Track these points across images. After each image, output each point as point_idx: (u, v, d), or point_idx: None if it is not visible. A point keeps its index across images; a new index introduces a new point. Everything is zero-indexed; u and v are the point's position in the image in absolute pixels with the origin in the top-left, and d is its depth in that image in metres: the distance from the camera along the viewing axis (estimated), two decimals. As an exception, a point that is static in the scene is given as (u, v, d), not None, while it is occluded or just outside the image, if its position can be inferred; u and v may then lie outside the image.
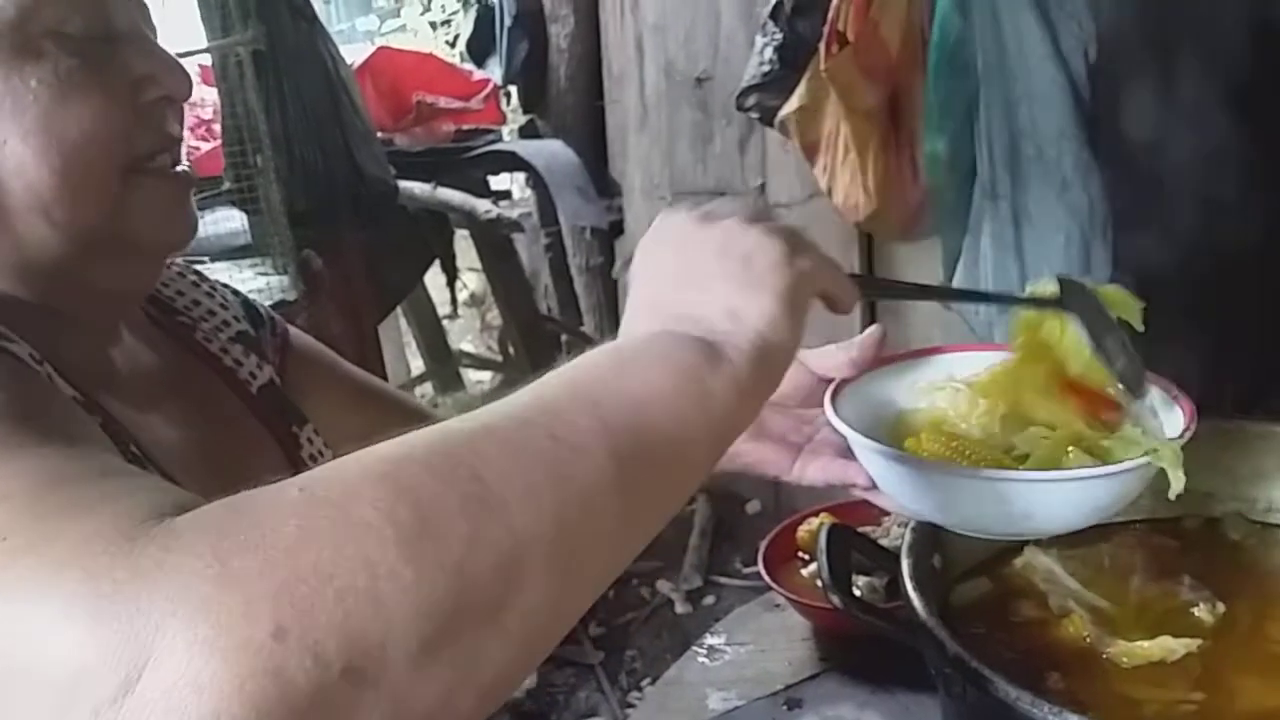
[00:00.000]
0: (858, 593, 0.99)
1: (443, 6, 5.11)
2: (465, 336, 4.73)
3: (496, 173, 3.82)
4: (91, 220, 0.71)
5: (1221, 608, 0.91)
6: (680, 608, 2.92)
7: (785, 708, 1.10)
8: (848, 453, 0.75)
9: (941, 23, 1.95)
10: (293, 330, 0.98)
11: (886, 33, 2.14)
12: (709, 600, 2.94)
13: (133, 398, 0.77)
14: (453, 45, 4.76)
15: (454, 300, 4.14)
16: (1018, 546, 0.99)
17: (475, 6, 4.04)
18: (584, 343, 3.68)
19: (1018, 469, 0.70)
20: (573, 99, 3.67)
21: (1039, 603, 0.94)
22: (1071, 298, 0.76)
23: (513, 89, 3.90)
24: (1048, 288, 0.77)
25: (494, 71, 3.84)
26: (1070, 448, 0.72)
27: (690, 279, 0.58)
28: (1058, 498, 0.70)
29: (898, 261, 2.68)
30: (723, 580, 3.00)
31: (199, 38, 2.62)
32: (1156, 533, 1.03)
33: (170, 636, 0.37)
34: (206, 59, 2.69)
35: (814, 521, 1.27)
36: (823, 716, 1.08)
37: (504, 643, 0.43)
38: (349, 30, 5.80)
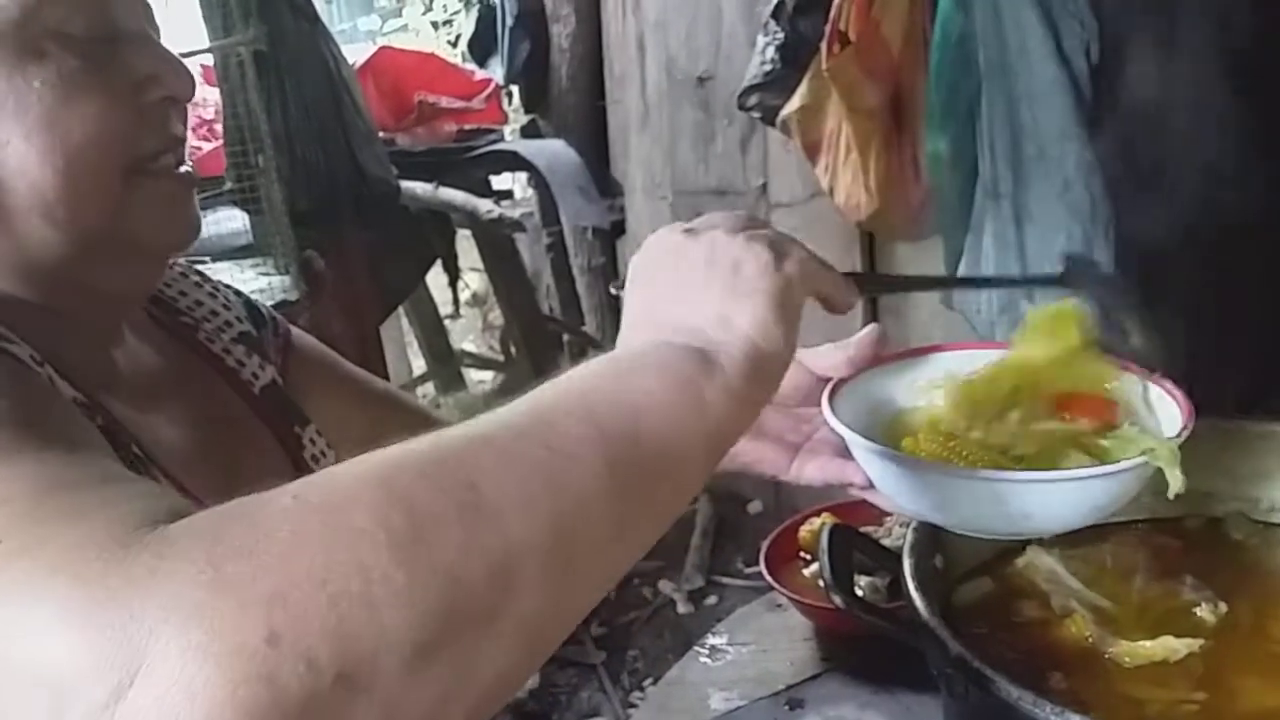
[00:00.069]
0: (859, 593, 0.99)
1: (444, 6, 5.11)
2: (467, 336, 4.73)
3: (498, 172, 3.82)
4: (94, 221, 0.71)
5: (1224, 608, 0.91)
6: (682, 608, 2.92)
7: (787, 708, 1.10)
8: (846, 452, 0.75)
9: (943, 22, 1.95)
10: (295, 331, 0.98)
11: (888, 32, 2.14)
12: (711, 600, 2.94)
13: (135, 398, 0.77)
14: (454, 45, 4.76)
15: (456, 300, 4.14)
16: (1020, 546, 0.99)
17: (477, 6, 4.05)
18: (586, 342, 3.69)
19: (1015, 469, 0.70)
20: (574, 99, 3.67)
21: (1041, 603, 0.94)
22: (1077, 276, 0.76)
23: (514, 89, 3.90)
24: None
25: (496, 71, 3.85)
26: (1068, 446, 0.72)
27: (681, 291, 0.59)
28: (1055, 498, 0.70)
29: (899, 261, 2.68)
30: (725, 580, 3.00)
31: (201, 38, 2.63)
32: (1158, 532, 1.03)
33: (163, 642, 0.37)
34: (208, 59, 2.69)
35: (816, 521, 1.27)
36: (824, 717, 1.08)
37: (499, 649, 0.44)
38: (351, 30, 5.81)
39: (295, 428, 0.89)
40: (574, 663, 2.76)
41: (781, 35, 2.33)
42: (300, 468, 0.87)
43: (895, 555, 0.94)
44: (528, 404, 0.50)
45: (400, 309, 3.80)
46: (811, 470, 0.78)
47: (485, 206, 3.33)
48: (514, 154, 3.58)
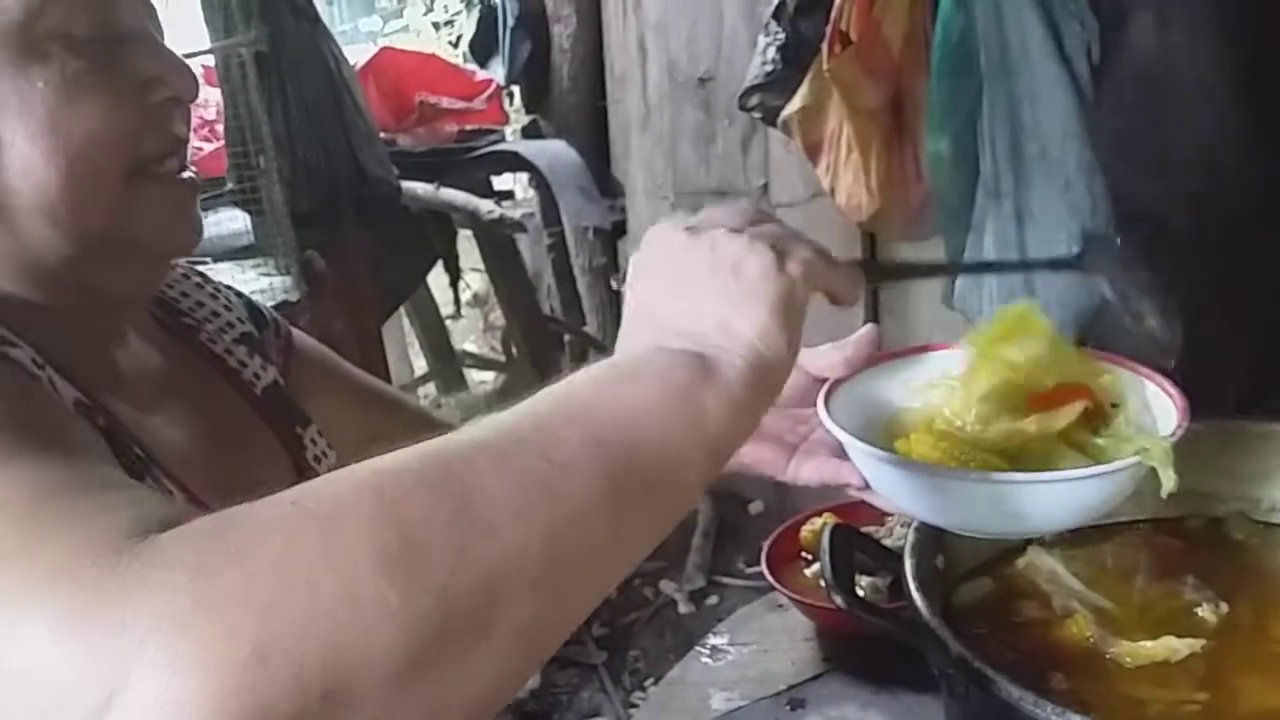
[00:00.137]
0: (861, 593, 0.99)
1: (445, 7, 5.11)
2: (468, 337, 4.73)
3: (499, 173, 3.82)
4: (97, 221, 0.71)
5: (1225, 608, 0.91)
6: (683, 608, 2.92)
7: (788, 708, 1.10)
8: (842, 453, 0.75)
9: (944, 22, 1.95)
10: (296, 332, 0.99)
11: (889, 32, 2.14)
12: (712, 600, 2.94)
13: (138, 399, 0.77)
14: (455, 46, 4.77)
15: (457, 300, 4.14)
16: (1021, 547, 0.99)
17: (478, 7, 4.05)
18: (587, 343, 3.69)
19: (1009, 469, 0.70)
20: (575, 99, 3.67)
21: (1042, 603, 0.94)
22: (1094, 256, 0.75)
23: (515, 89, 3.91)
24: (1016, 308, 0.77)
25: (497, 72, 3.85)
26: (1063, 445, 0.72)
27: (682, 292, 0.58)
28: (1048, 498, 0.70)
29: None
30: (726, 580, 3.00)
31: (202, 39, 2.63)
32: (1160, 533, 1.03)
33: (152, 653, 0.37)
34: (209, 60, 2.69)
35: (817, 522, 1.27)
36: (826, 717, 1.08)
37: (491, 661, 0.43)
38: (352, 31, 5.81)
39: (297, 428, 0.89)
40: (575, 663, 2.76)
41: (782, 36, 2.33)
42: (302, 468, 0.87)
43: (896, 555, 0.94)
44: (525, 412, 0.50)
45: (401, 309, 3.80)
46: (808, 471, 0.78)
47: (486, 207, 3.33)
48: (515, 154, 3.58)
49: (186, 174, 0.76)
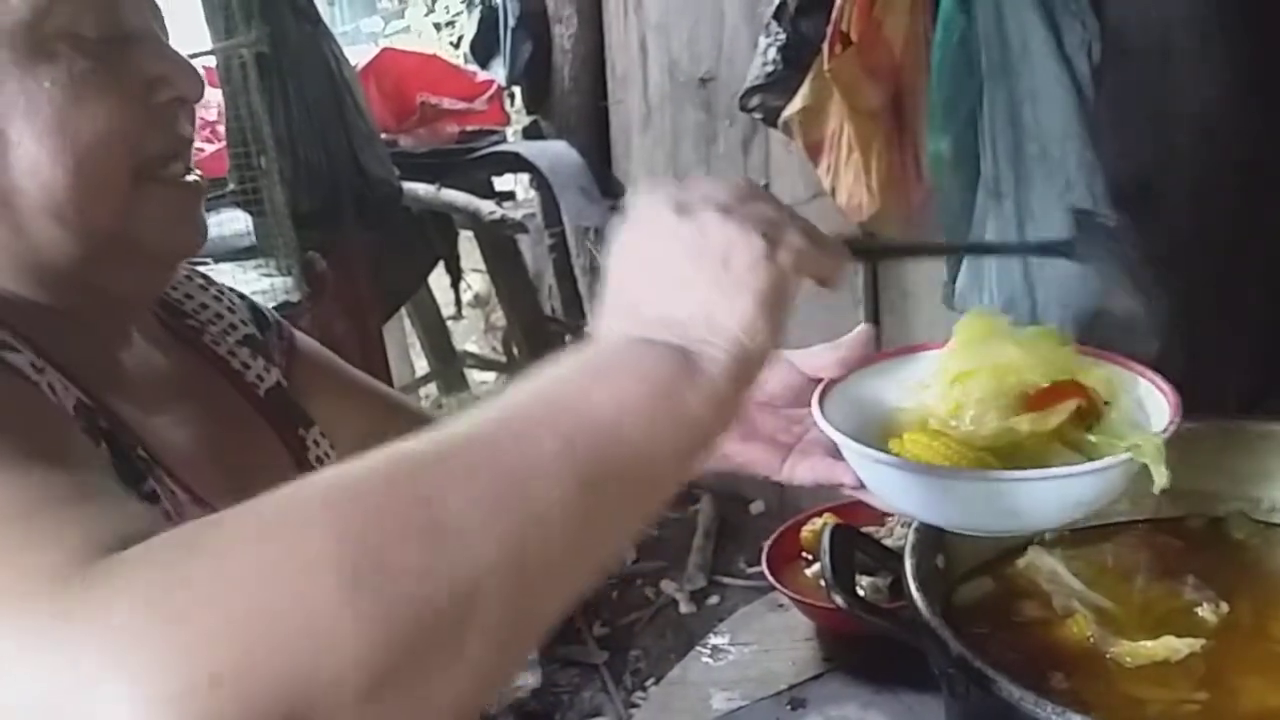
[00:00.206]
0: (861, 593, 0.99)
1: (446, 8, 5.11)
2: (469, 337, 4.73)
3: (500, 173, 3.82)
4: (104, 221, 0.71)
5: (1225, 607, 0.91)
6: (684, 608, 2.92)
7: (789, 708, 1.10)
8: (837, 452, 0.75)
9: (945, 22, 1.95)
10: (298, 334, 0.99)
11: (890, 32, 2.14)
12: (713, 600, 2.94)
13: (142, 400, 0.77)
14: (456, 46, 4.76)
15: (458, 301, 4.14)
16: (1021, 546, 0.99)
17: (479, 8, 4.04)
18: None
19: (1002, 467, 0.70)
20: (576, 100, 3.67)
21: (1042, 603, 0.94)
22: (1085, 242, 0.75)
23: (516, 90, 3.90)
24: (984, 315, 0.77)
25: (498, 72, 3.85)
26: (1056, 443, 0.72)
27: (665, 278, 0.55)
28: (1041, 495, 0.70)
29: (901, 262, 2.68)
30: (727, 580, 3.00)
31: (203, 39, 2.63)
32: (1160, 532, 1.03)
33: (107, 683, 0.36)
34: (210, 60, 2.69)
35: (817, 522, 1.27)
36: (826, 716, 1.08)
37: (459, 674, 0.42)
38: (353, 32, 5.81)
39: (299, 430, 0.90)
40: (576, 662, 2.76)
41: (783, 36, 2.33)
42: (304, 469, 0.87)
43: (897, 555, 0.94)
44: (494, 414, 0.48)
45: (403, 310, 3.81)
46: (803, 471, 0.79)
47: (487, 207, 3.33)
48: (516, 155, 3.58)
49: (192, 177, 0.76)
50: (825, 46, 2.17)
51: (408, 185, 3.14)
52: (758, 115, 2.51)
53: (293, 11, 2.69)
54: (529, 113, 3.90)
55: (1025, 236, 1.94)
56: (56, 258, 0.71)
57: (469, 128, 3.66)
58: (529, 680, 2.63)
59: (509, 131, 3.87)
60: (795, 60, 2.32)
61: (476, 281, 4.50)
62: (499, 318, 4.31)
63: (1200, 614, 0.91)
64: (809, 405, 0.76)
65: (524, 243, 3.89)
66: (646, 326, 0.54)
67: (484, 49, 3.96)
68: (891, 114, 2.23)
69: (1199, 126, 1.81)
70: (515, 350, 4.09)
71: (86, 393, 0.70)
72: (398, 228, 3.09)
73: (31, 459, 0.50)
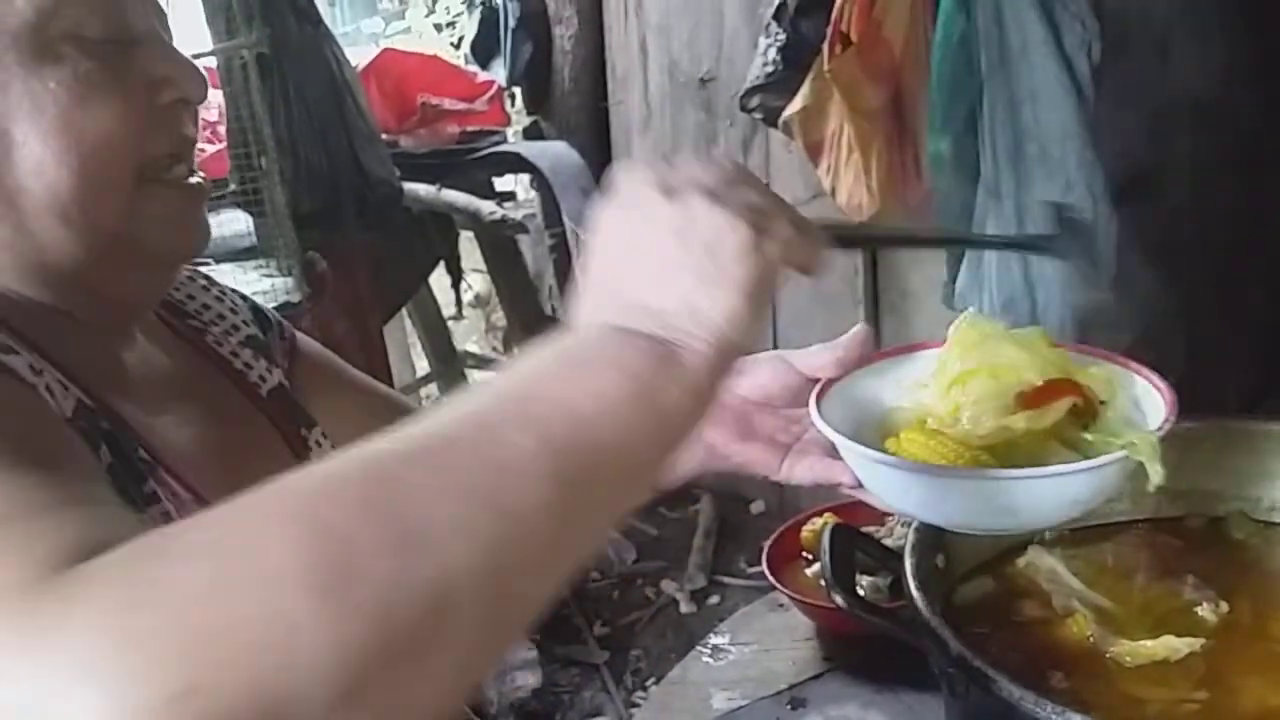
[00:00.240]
0: (861, 592, 0.99)
1: (447, 9, 5.11)
2: (470, 338, 4.73)
3: (501, 174, 3.82)
4: (108, 222, 0.71)
5: (1225, 607, 0.91)
6: (685, 607, 2.92)
7: (789, 707, 1.10)
8: (835, 452, 0.76)
9: (945, 22, 1.95)
10: (300, 335, 0.99)
11: (889, 33, 2.14)
12: (713, 600, 2.94)
13: (145, 400, 0.77)
14: (457, 47, 4.76)
15: (459, 301, 4.14)
16: (1021, 546, 0.99)
17: (479, 9, 4.04)
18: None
19: (998, 466, 0.71)
20: (577, 100, 3.67)
21: (1042, 602, 0.94)
22: (1067, 240, 0.75)
23: (517, 90, 3.91)
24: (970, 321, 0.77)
25: (498, 73, 3.85)
26: (1052, 441, 0.72)
27: (648, 263, 0.54)
28: (1037, 494, 0.70)
29: (901, 262, 2.68)
30: (727, 580, 3.00)
31: (204, 41, 2.63)
32: (1160, 532, 1.03)
33: (76, 702, 0.35)
34: (211, 62, 2.69)
35: (818, 521, 1.27)
36: (826, 716, 1.08)
37: (436, 677, 0.41)
38: (354, 32, 5.81)
39: (302, 430, 0.90)
40: (577, 662, 2.76)
41: (783, 36, 2.33)
42: (307, 469, 0.87)
43: (897, 555, 0.94)
44: (467, 411, 0.47)
45: (403, 310, 3.80)
46: (801, 470, 0.79)
47: (488, 208, 3.33)
48: (516, 155, 3.58)
49: (195, 179, 0.77)
50: (825, 47, 2.17)
51: (408, 186, 3.14)
52: (758, 115, 2.51)
53: (293, 12, 2.69)
54: (529, 113, 3.90)
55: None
56: (60, 258, 0.71)
57: (469, 128, 3.66)
58: (530, 680, 2.63)
59: (509, 132, 3.87)
60: (795, 60, 2.32)
61: (477, 282, 4.50)
62: (500, 318, 4.31)
63: (1200, 613, 0.91)
64: (807, 405, 0.76)
65: (524, 243, 3.88)
66: (627, 314, 0.53)
67: (484, 50, 3.97)
68: (891, 114, 2.23)
69: (1199, 126, 1.81)
70: (516, 351, 4.09)
71: (88, 393, 0.70)
72: (398, 228, 3.09)
73: (13, 464, 0.49)
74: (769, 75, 2.38)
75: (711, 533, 3.17)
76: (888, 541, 1.15)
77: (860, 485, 0.76)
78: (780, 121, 2.40)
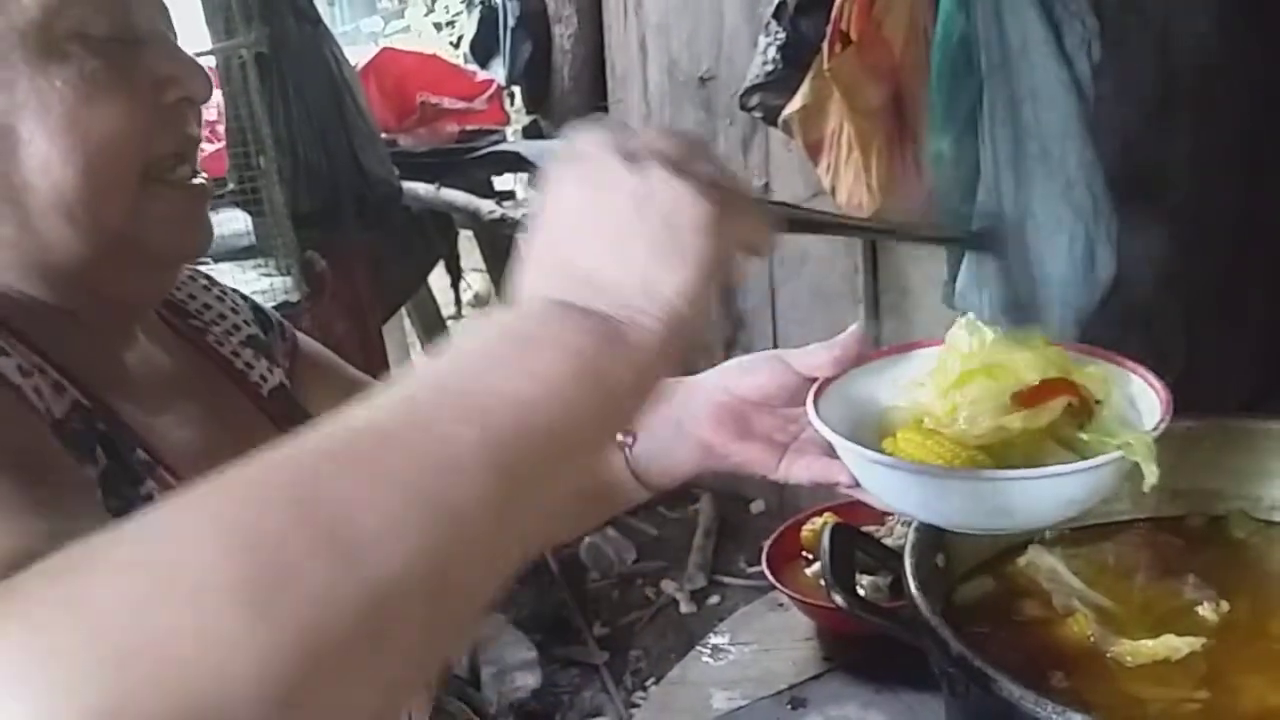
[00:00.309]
0: (861, 592, 0.99)
1: (446, 8, 5.11)
2: (470, 337, 4.72)
3: (500, 173, 3.82)
4: (113, 221, 0.71)
5: (1225, 606, 0.91)
6: (685, 607, 2.92)
7: (789, 707, 1.10)
8: (832, 451, 0.76)
9: (945, 21, 1.95)
10: (300, 335, 0.99)
11: (890, 32, 2.14)
12: (713, 600, 2.94)
13: (145, 400, 0.77)
14: (456, 46, 4.77)
15: (458, 301, 4.14)
16: (1021, 545, 0.99)
17: (479, 8, 4.05)
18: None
19: (994, 466, 0.71)
20: (576, 99, 3.67)
21: (1043, 602, 0.94)
22: (989, 238, 0.74)
23: (516, 89, 3.91)
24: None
25: (498, 72, 3.85)
26: (1048, 441, 0.72)
27: (601, 232, 0.51)
28: (1033, 494, 0.70)
29: (901, 260, 2.68)
30: (727, 580, 3.00)
31: (203, 40, 2.63)
32: (1161, 531, 1.03)
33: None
34: (210, 61, 2.69)
35: (818, 521, 1.27)
36: (827, 716, 1.08)
37: (375, 683, 0.39)
38: (353, 31, 5.81)
39: (302, 430, 0.90)
40: (576, 662, 2.76)
41: (783, 35, 2.33)
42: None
43: (897, 554, 0.94)
44: (402, 402, 0.44)
45: (403, 310, 3.81)
46: (798, 470, 0.79)
47: (487, 207, 3.33)
48: (516, 155, 3.58)
49: (198, 179, 0.77)
50: (825, 45, 2.17)
51: (408, 185, 3.14)
52: (757, 114, 2.51)
53: (293, 12, 2.70)
54: (529, 112, 3.90)
55: (1027, 235, 1.94)
56: (63, 257, 0.71)
57: (469, 127, 3.66)
58: (529, 680, 2.63)
59: (509, 131, 3.88)
60: (795, 59, 2.32)
61: (476, 281, 4.50)
62: (499, 317, 4.30)
63: (1201, 613, 0.90)
64: (804, 404, 0.76)
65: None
66: (573, 287, 0.50)
67: (484, 49, 3.97)
68: (891, 113, 2.23)
69: (1199, 125, 1.81)
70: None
71: (87, 394, 0.70)
72: (398, 227, 3.09)
73: None
74: (769, 74, 2.37)
75: (711, 532, 3.17)
76: (888, 541, 1.14)
77: (858, 485, 0.76)
78: (780, 120, 2.40)
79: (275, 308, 1.05)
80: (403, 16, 5.69)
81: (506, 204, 3.74)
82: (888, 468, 0.71)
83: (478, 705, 2.50)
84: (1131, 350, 0.80)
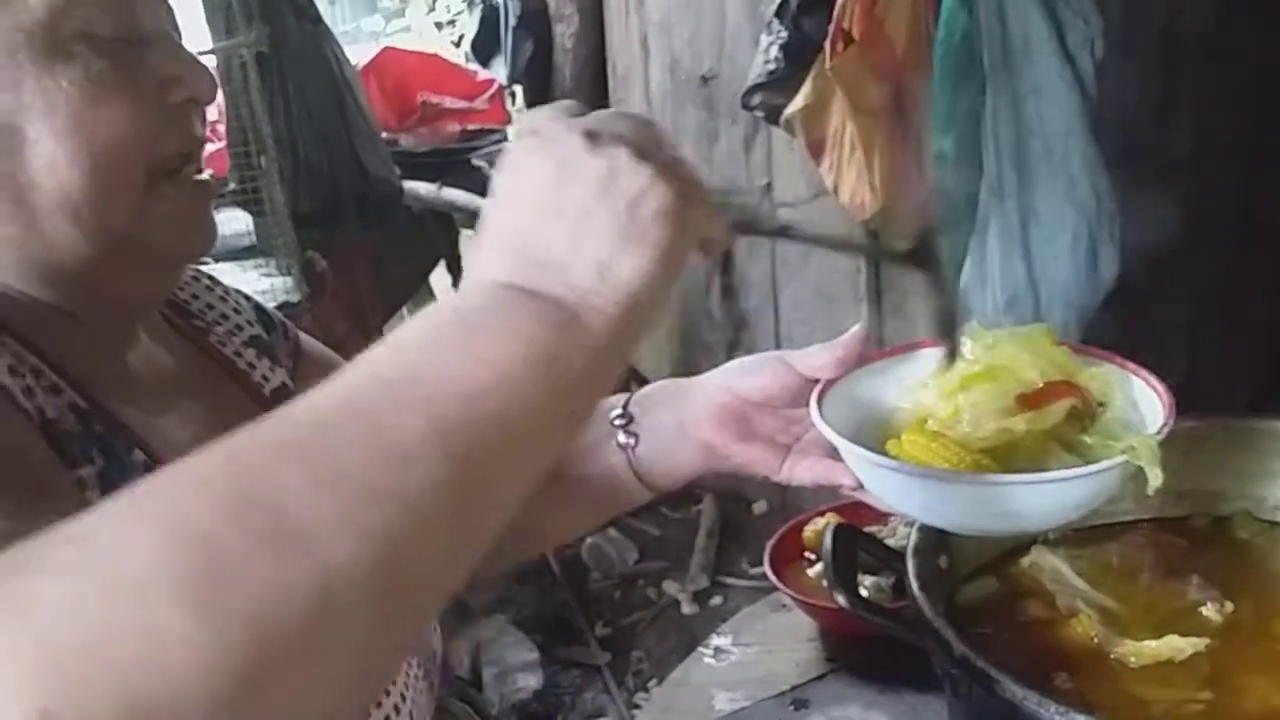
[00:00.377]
0: (864, 593, 0.99)
1: (448, 7, 5.11)
2: (471, 337, 4.73)
3: (501, 173, 3.83)
4: (119, 221, 0.71)
5: (1229, 606, 0.90)
6: (687, 608, 2.92)
7: (792, 708, 1.09)
8: (836, 453, 0.75)
9: (947, 20, 1.95)
10: (303, 336, 0.99)
11: (892, 30, 2.13)
12: (715, 601, 2.94)
13: (147, 400, 0.77)
14: (457, 45, 4.77)
15: (459, 300, 4.14)
16: (1025, 546, 0.99)
17: (480, 7, 4.05)
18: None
19: (998, 469, 0.70)
20: (578, 99, 3.64)
21: (1046, 602, 0.94)
22: (923, 254, 0.72)
23: (517, 89, 3.91)
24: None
25: (499, 71, 3.85)
26: (1052, 443, 0.72)
27: (561, 213, 0.50)
28: (1037, 498, 0.70)
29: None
30: (729, 581, 3.00)
31: (203, 39, 2.63)
32: (1164, 532, 1.03)
33: None
34: (210, 60, 2.69)
35: (820, 521, 1.27)
36: (829, 717, 1.08)
37: (327, 681, 0.38)
38: (354, 31, 5.82)
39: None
40: (578, 663, 2.76)
41: (785, 34, 2.33)
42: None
43: (899, 555, 0.94)
44: (348, 392, 0.44)
45: (404, 310, 3.81)
46: (802, 471, 0.79)
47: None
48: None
49: (203, 175, 0.77)
50: (827, 44, 2.17)
51: (409, 184, 3.14)
52: (759, 113, 2.51)
53: (293, 11, 2.70)
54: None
55: (1028, 234, 1.94)
56: (68, 257, 0.71)
57: (470, 127, 3.67)
58: (531, 681, 2.63)
59: (510, 130, 3.88)
60: (797, 58, 2.32)
61: (478, 281, 4.49)
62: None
63: (1205, 613, 0.90)
64: (807, 406, 0.76)
65: (525, 242, 3.88)
66: (528, 270, 0.49)
67: (485, 48, 3.97)
68: (894, 112, 2.23)
69: (1201, 125, 1.81)
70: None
71: (85, 394, 0.70)
72: (399, 227, 3.10)
73: None
74: (771, 73, 2.37)
75: (714, 533, 3.17)
76: (890, 542, 1.14)
77: (861, 487, 0.76)
78: (782, 119, 2.39)
79: (276, 308, 1.05)
80: (404, 15, 5.69)
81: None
82: (892, 471, 0.71)
83: (480, 706, 2.49)
84: (1134, 352, 0.80)
